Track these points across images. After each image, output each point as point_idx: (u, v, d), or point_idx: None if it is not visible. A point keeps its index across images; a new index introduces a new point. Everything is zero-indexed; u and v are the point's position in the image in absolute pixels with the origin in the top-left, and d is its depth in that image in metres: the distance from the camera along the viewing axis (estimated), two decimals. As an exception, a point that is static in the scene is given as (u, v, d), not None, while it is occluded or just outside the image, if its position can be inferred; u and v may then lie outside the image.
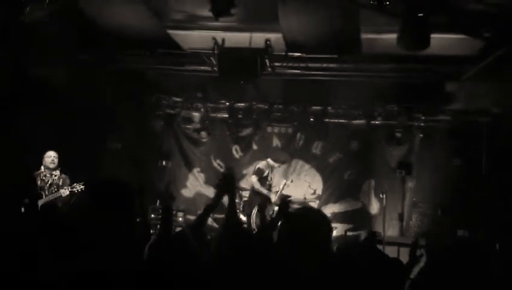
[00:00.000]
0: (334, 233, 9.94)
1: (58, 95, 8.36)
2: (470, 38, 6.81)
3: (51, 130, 8.40)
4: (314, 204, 10.09)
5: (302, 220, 2.41)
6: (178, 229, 7.35)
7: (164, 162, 10.54)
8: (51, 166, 7.45)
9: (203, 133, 10.92)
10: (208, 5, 6.40)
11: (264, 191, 9.11)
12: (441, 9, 5.98)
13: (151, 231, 8.53)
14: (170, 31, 8.19)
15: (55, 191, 7.24)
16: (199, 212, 10.45)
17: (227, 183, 3.42)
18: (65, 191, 7.14)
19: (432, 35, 6.40)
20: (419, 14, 5.79)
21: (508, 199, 8.21)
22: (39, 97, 7.93)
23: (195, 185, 10.85)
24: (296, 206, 7.59)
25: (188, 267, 2.88)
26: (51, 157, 7.47)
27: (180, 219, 9.67)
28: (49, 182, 7.40)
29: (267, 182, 9.29)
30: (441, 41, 6.89)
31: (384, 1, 5.63)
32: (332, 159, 10.53)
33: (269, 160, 9.33)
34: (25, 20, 6.35)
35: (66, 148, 8.00)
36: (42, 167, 7.46)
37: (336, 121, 10.34)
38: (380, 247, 6.90)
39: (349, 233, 9.90)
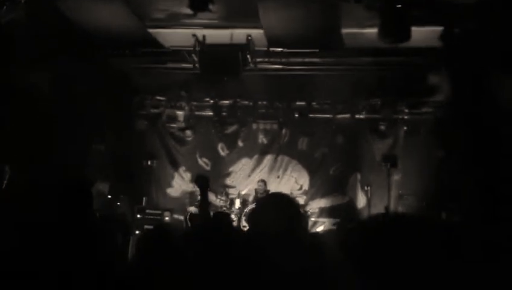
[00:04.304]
0: (322, 227, 9.96)
1: (38, 98, 8.22)
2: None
3: (33, 134, 8.26)
4: (301, 199, 10.07)
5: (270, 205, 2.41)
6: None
7: (149, 162, 10.42)
8: None
9: (188, 132, 10.86)
10: (187, 2, 6.37)
11: None
12: (419, 1, 5.98)
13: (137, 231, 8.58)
14: (151, 30, 8.11)
15: None
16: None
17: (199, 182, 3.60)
18: None
19: (413, 28, 6.42)
20: (398, 6, 5.79)
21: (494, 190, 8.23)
22: (18, 101, 7.79)
23: (182, 184, 10.78)
24: None
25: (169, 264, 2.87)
26: None
27: (167, 218, 9.61)
28: None
29: None
30: (422, 33, 6.89)
31: (362, -6, 5.62)
32: (318, 154, 10.52)
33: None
34: (0, 21, 6.20)
35: (49, 151, 7.87)
36: None
37: (321, 116, 10.33)
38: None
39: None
